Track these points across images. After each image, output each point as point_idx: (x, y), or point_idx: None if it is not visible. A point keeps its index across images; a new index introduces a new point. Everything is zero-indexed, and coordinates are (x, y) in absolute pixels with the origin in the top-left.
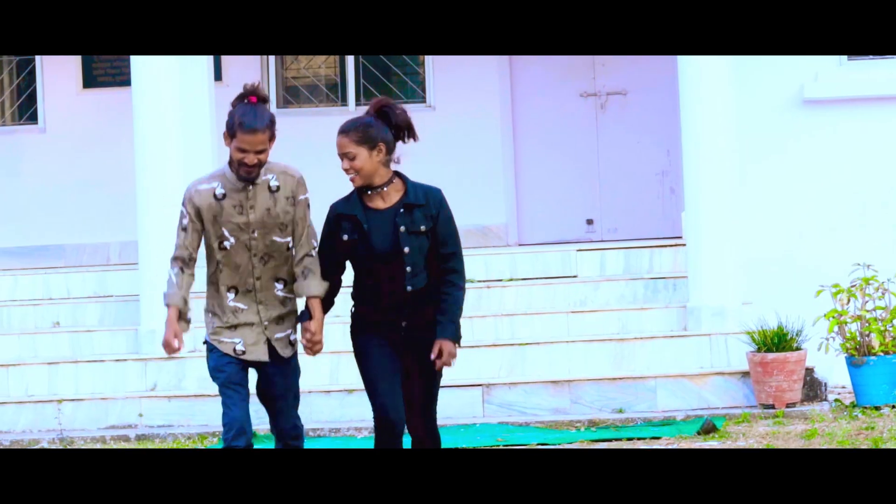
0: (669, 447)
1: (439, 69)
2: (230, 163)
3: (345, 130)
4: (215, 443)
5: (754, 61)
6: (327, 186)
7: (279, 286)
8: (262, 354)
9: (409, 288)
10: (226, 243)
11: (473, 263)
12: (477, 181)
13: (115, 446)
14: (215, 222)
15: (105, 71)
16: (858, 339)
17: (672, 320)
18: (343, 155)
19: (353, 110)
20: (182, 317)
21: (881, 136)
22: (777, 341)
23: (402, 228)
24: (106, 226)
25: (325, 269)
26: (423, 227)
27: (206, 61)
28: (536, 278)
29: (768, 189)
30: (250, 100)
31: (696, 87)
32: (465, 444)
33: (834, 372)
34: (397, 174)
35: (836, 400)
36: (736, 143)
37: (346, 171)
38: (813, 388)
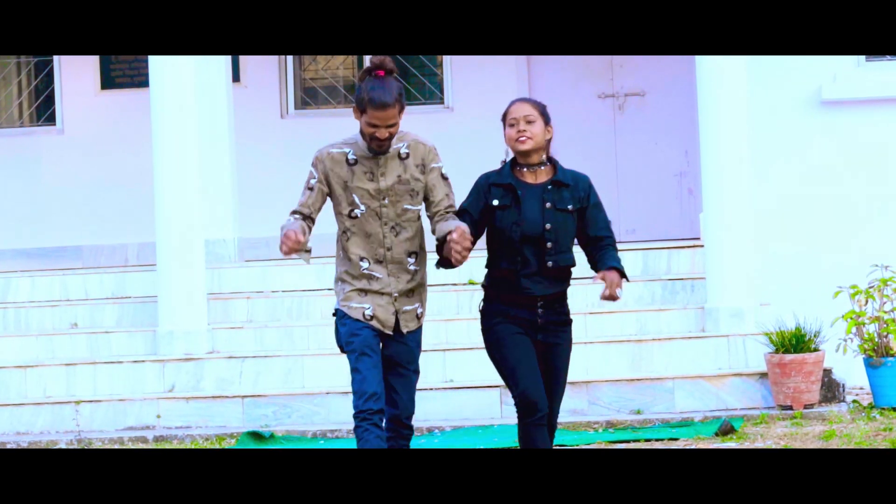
0: (687, 448)
1: (457, 70)
2: (361, 133)
3: (525, 99)
4: (233, 444)
5: (772, 62)
6: None
7: (411, 260)
8: (388, 325)
9: (549, 264)
10: (356, 211)
11: None
12: None
13: (132, 447)
14: (346, 188)
15: (123, 72)
16: (876, 340)
17: (690, 321)
18: (523, 117)
19: None
20: (301, 242)
21: None
22: (795, 342)
23: (549, 204)
24: (124, 227)
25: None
26: (569, 207)
27: (223, 62)
28: None
29: (786, 190)
30: (377, 74)
31: (714, 88)
32: (483, 445)
33: (852, 373)
34: (552, 159)
35: (854, 401)
36: (754, 145)
37: (521, 132)
38: (831, 390)
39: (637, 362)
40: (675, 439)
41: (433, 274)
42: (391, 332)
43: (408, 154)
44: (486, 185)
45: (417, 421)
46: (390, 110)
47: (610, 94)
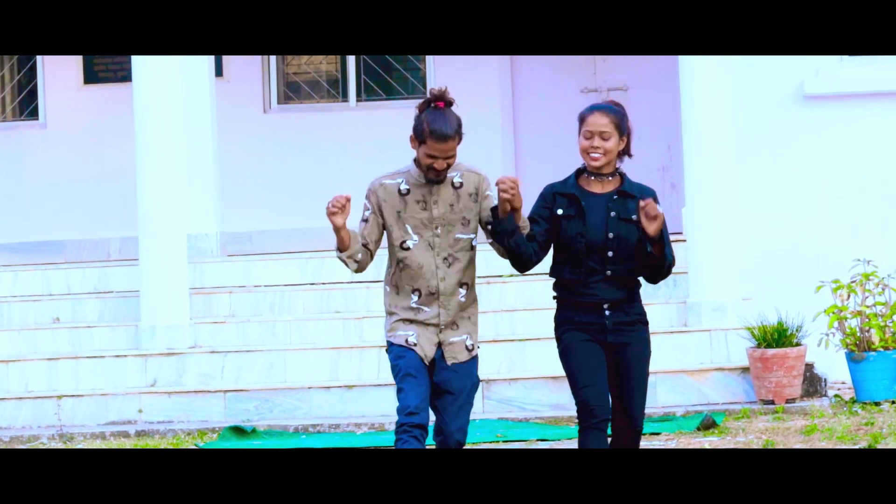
0: (669, 443)
1: (440, 65)
2: (416, 162)
3: (604, 110)
4: (215, 439)
5: (755, 57)
6: (328, 182)
7: (462, 291)
8: (429, 351)
9: (608, 272)
10: (409, 242)
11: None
12: None
13: (114, 442)
14: (399, 218)
15: (106, 67)
16: (858, 334)
17: (672, 316)
18: (598, 133)
19: (354, 106)
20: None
21: (882, 131)
22: (777, 337)
23: (613, 214)
24: (106, 221)
25: (530, 241)
26: (633, 217)
27: (206, 57)
28: (537, 274)
29: (769, 184)
30: (437, 105)
31: (696, 83)
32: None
33: (834, 367)
34: (617, 170)
35: (836, 395)
36: (736, 139)
37: (595, 149)
38: (813, 384)
39: None
40: (657, 434)
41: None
42: (433, 357)
43: (461, 184)
44: (551, 195)
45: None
46: (451, 142)
47: (593, 89)
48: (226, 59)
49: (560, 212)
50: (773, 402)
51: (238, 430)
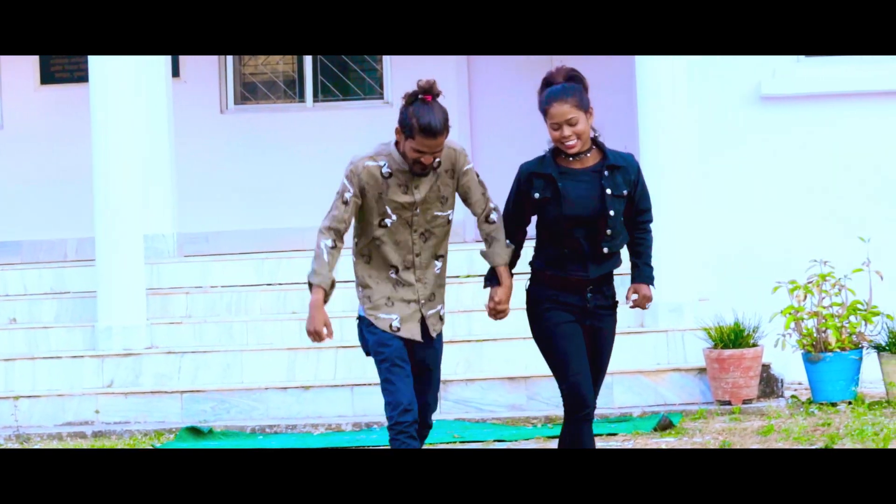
0: (626, 443)
1: (397, 66)
2: (397, 146)
3: (563, 97)
4: (171, 439)
5: (712, 58)
6: (285, 182)
7: (438, 263)
8: (415, 333)
9: (605, 249)
10: (387, 220)
11: None
12: None
13: (71, 443)
14: (379, 199)
15: (63, 67)
16: (815, 335)
17: (629, 316)
18: (566, 122)
19: (311, 107)
20: (326, 299)
21: (838, 132)
22: (734, 338)
23: (609, 191)
24: (63, 222)
25: (509, 231)
26: (625, 192)
27: (164, 58)
28: None
29: (725, 185)
30: (425, 98)
31: (653, 84)
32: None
33: (790, 368)
34: (593, 140)
35: (793, 396)
36: (693, 140)
37: (567, 137)
38: (769, 385)
39: None
40: (614, 434)
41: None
42: (420, 340)
43: (439, 163)
44: (527, 175)
45: (356, 416)
46: (440, 138)
47: None
48: (182, 59)
49: (537, 196)
50: (729, 403)
51: (195, 431)
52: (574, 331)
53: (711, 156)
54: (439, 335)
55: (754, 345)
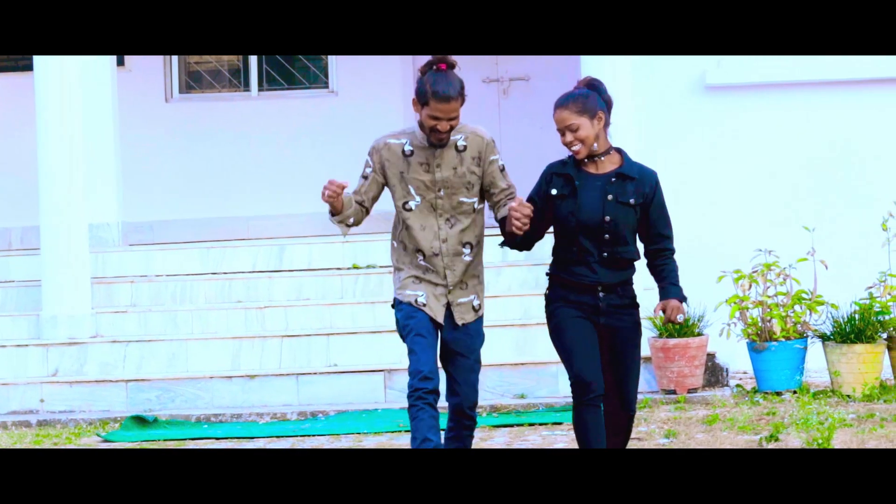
0: (571, 432)
1: (342, 56)
2: (420, 125)
3: (563, 104)
4: (117, 428)
5: None
6: (230, 171)
7: (466, 251)
8: (438, 314)
9: (605, 254)
10: (411, 203)
11: (377, 249)
12: None
13: (16, 432)
14: (402, 179)
15: (7, 56)
16: (760, 324)
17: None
18: (566, 128)
19: (256, 95)
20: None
21: (782, 122)
22: (679, 327)
23: (610, 197)
24: (7, 211)
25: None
26: (632, 200)
27: None
28: None
29: (670, 175)
30: (440, 67)
31: (597, 73)
32: (366, 430)
33: (736, 357)
34: (617, 149)
35: (738, 385)
36: (638, 130)
37: (570, 143)
38: (714, 374)
39: (521, 347)
40: (559, 423)
41: (315, 257)
42: (442, 322)
43: (465, 147)
44: (548, 175)
45: (301, 405)
46: (453, 103)
47: (494, 79)
48: None
49: (554, 192)
50: (674, 392)
51: (140, 420)
52: (581, 325)
53: (656, 145)
54: (472, 324)
55: (699, 334)
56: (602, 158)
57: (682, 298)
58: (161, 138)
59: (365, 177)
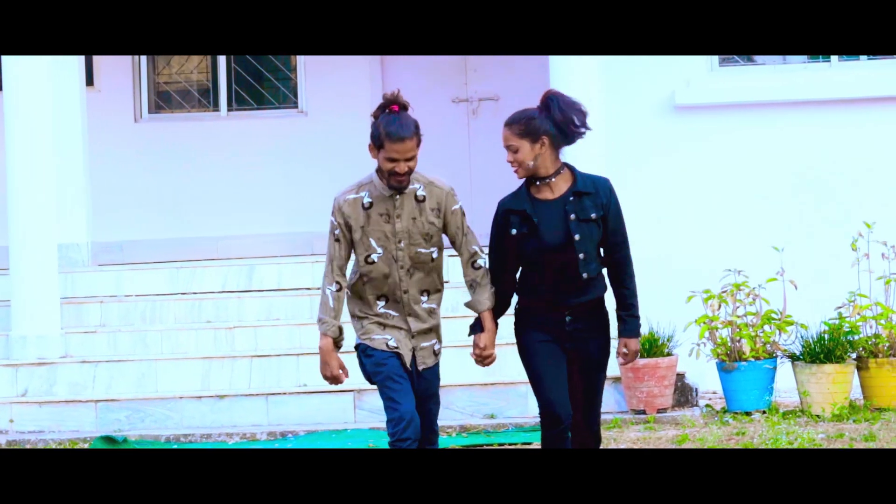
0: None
1: (311, 74)
2: (378, 172)
3: (509, 123)
4: (87, 448)
5: (626, 67)
6: (200, 191)
7: (424, 298)
8: (407, 357)
9: (584, 275)
10: (373, 256)
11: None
12: None
13: None
14: (363, 233)
15: None
16: (729, 344)
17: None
18: (507, 147)
19: (225, 115)
20: (336, 345)
21: (751, 142)
22: (648, 347)
23: (573, 216)
24: None
25: (496, 273)
26: (593, 215)
27: (77, 66)
28: None
29: (640, 195)
30: (392, 109)
31: (567, 93)
32: (336, 448)
33: (705, 377)
34: (566, 165)
35: (708, 405)
36: (607, 150)
37: (510, 162)
38: (684, 394)
39: (491, 367)
40: (529, 443)
41: (284, 277)
42: (409, 369)
43: (424, 197)
44: (504, 215)
45: (270, 425)
46: (409, 142)
47: (464, 99)
48: (96, 68)
49: (514, 232)
50: (644, 412)
51: (109, 440)
52: (550, 350)
53: (625, 166)
54: (432, 368)
55: (669, 354)
56: (553, 180)
57: (638, 334)
58: (130, 158)
59: (337, 240)
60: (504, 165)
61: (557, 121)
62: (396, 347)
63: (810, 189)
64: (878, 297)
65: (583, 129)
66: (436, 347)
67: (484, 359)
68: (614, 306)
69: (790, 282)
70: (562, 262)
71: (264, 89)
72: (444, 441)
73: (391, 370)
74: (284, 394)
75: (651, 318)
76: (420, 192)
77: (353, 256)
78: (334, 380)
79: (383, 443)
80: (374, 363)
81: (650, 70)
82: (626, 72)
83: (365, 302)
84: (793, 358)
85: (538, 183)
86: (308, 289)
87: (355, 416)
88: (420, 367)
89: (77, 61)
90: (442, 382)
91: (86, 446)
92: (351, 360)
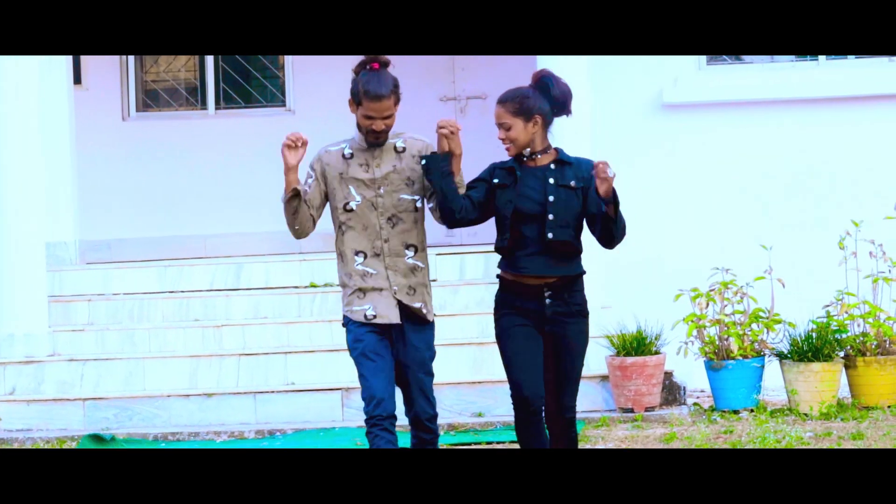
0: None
1: (299, 73)
2: (358, 126)
3: (503, 101)
4: (74, 447)
5: (614, 66)
6: (187, 190)
7: (409, 253)
8: (393, 317)
9: (549, 235)
10: (352, 203)
11: (335, 268)
12: None
13: None
14: (342, 179)
15: None
16: (717, 342)
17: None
18: (499, 125)
19: (213, 114)
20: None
21: (740, 140)
22: (636, 345)
23: (552, 180)
24: None
25: (462, 197)
26: (572, 183)
27: (64, 65)
28: None
29: (628, 193)
30: (372, 66)
31: None
32: (324, 447)
33: (693, 376)
34: (553, 147)
35: (696, 404)
36: (594, 148)
37: (502, 140)
38: (672, 392)
39: (479, 365)
40: (515, 441)
41: (272, 275)
42: (399, 322)
43: (404, 148)
44: (491, 168)
45: (258, 424)
46: (386, 101)
47: (452, 98)
48: (84, 67)
49: (496, 181)
50: (632, 411)
51: (97, 438)
52: (526, 334)
53: (613, 163)
54: (422, 335)
55: (657, 352)
56: (539, 156)
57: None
58: (118, 157)
59: (308, 186)
60: (491, 157)
61: (556, 97)
62: (375, 317)
63: (798, 187)
64: (866, 296)
65: (566, 112)
66: (423, 310)
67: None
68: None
69: (778, 280)
70: (530, 224)
71: (252, 88)
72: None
73: (366, 346)
74: (272, 392)
75: (639, 316)
76: (399, 144)
77: (333, 221)
78: (296, 138)
79: None
80: (354, 338)
81: (638, 68)
82: (614, 70)
83: (344, 259)
84: (781, 356)
85: (525, 158)
86: (296, 287)
87: (343, 414)
88: (415, 309)
89: (65, 60)
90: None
91: (74, 445)
92: (346, 360)
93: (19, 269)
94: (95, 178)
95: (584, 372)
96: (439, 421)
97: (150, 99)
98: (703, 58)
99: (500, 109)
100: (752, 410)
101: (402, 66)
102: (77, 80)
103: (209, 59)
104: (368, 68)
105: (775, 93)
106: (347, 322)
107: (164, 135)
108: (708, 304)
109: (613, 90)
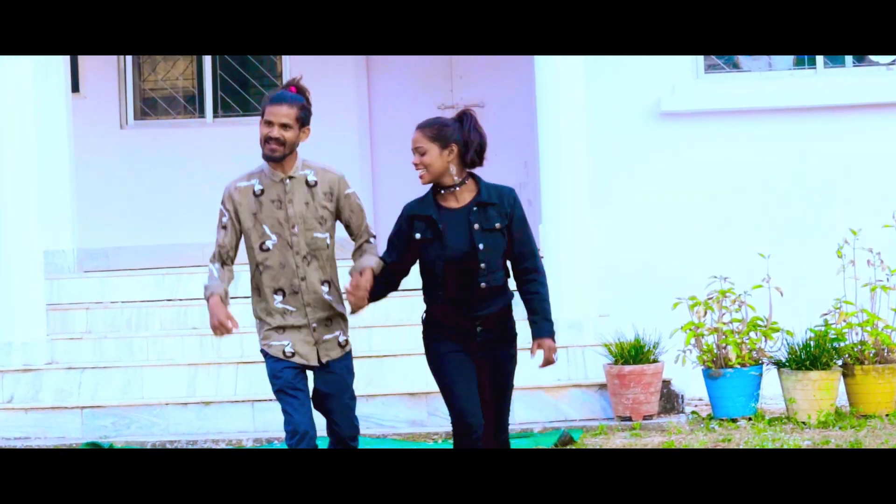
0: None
1: (298, 55)
2: (261, 146)
3: (421, 126)
4: None
5: (612, 73)
6: (185, 198)
7: (325, 289)
8: (311, 358)
9: (482, 284)
10: (268, 242)
11: None
12: None
13: None
14: (255, 220)
15: None
16: (715, 351)
17: (529, 332)
18: (415, 149)
19: (211, 122)
20: (224, 301)
21: (738, 149)
22: (634, 353)
23: (476, 226)
24: None
25: (388, 265)
26: (497, 225)
27: (62, 72)
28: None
29: (626, 202)
30: (290, 89)
31: (552, 100)
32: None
33: (691, 384)
34: (471, 175)
35: (694, 412)
36: (595, 157)
37: (416, 165)
38: (670, 401)
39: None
40: (515, 450)
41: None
42: (317, 364)
43: (315, 182)
44: (408, 218)
45: (256, 432)
46: (285, 107)
47: (449, 105)
48: (82, 75)
49: (418, 236)
50: (630, 419)
51: (95, 447)
52: (461, 360)
53: (611, 172)
54: (339, 361)
55: (655, 361)
56: (458, 189)
57: (553, 335)
58: (116, 165)
59: (224, 227)
60: (491, 171)
61: (465, 138)
62: (293, 354)
63: (796, 196)
64: (864, 304)
65: (479, 159)
66: (340, 339)
67: (357, 290)
68: (524, 315)
69: (776, 289)
70: (463, 270)
71: (250, 96)
72: (432, 447)
73: (284, 383)
74: (270, 400)
75: (637, 324)
76: (311, 178)
77: (248, 257)
78: (221, 327)
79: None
80: (272, 373)
81: (635, 77)
82: (612, 78)
83: (262, 297)
84: (779, 365)
85: (443, 192)
86: None
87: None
88: (324, 360)
89: (63, 68)
90: (426, 389)
91: None
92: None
93: (17, 277)
94: (93, 186)
95: (582, 380)
96: (437, 429)
97: (148, 107)
98: (701, 66)
99: (418, 134)
100: (750, 419)
101: (399, 74)
102: (75, 88)
103: (207, 67)
104: (285, 86)
105: (773, 101)
106: (265, 355)
107: (161, 143)
108: (706, 313)
109: (611, 98)
